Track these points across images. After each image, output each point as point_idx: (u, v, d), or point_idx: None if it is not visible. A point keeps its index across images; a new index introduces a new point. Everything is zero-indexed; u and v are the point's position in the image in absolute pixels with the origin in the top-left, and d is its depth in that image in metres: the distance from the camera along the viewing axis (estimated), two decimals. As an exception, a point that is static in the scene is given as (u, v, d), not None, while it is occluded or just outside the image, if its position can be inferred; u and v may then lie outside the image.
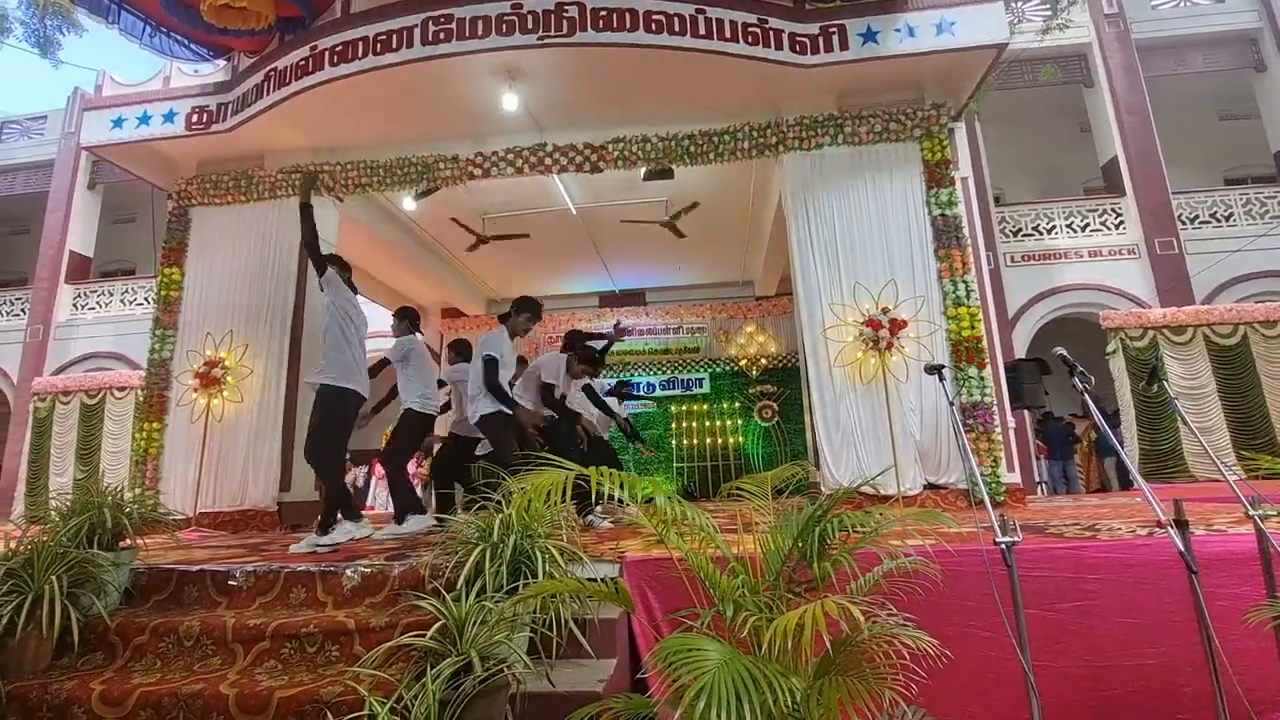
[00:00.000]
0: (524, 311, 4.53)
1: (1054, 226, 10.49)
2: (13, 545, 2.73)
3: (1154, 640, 2.53)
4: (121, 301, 12.14)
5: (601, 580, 2.40)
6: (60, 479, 9.57)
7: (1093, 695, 2.51)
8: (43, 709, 2.31)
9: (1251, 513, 2.17)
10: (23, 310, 12.30)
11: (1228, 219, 10.36)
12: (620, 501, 4.78)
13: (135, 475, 5.57)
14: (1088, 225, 10.46)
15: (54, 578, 2.59)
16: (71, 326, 12.01)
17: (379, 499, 11.28)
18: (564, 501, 1.91)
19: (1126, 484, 8.72)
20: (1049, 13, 9.64)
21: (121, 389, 9.81)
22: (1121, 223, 10.37)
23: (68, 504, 3.01)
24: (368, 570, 2.83)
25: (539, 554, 2.46)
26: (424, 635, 2.09)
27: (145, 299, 11.68)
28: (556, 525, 2.71)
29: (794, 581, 1.86)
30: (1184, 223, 10.24)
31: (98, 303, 12.23)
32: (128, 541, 3.07)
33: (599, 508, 4.76)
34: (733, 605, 1.64)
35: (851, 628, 1.50)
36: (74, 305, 12.21)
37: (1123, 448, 7.45)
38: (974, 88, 5.30)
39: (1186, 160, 11.39)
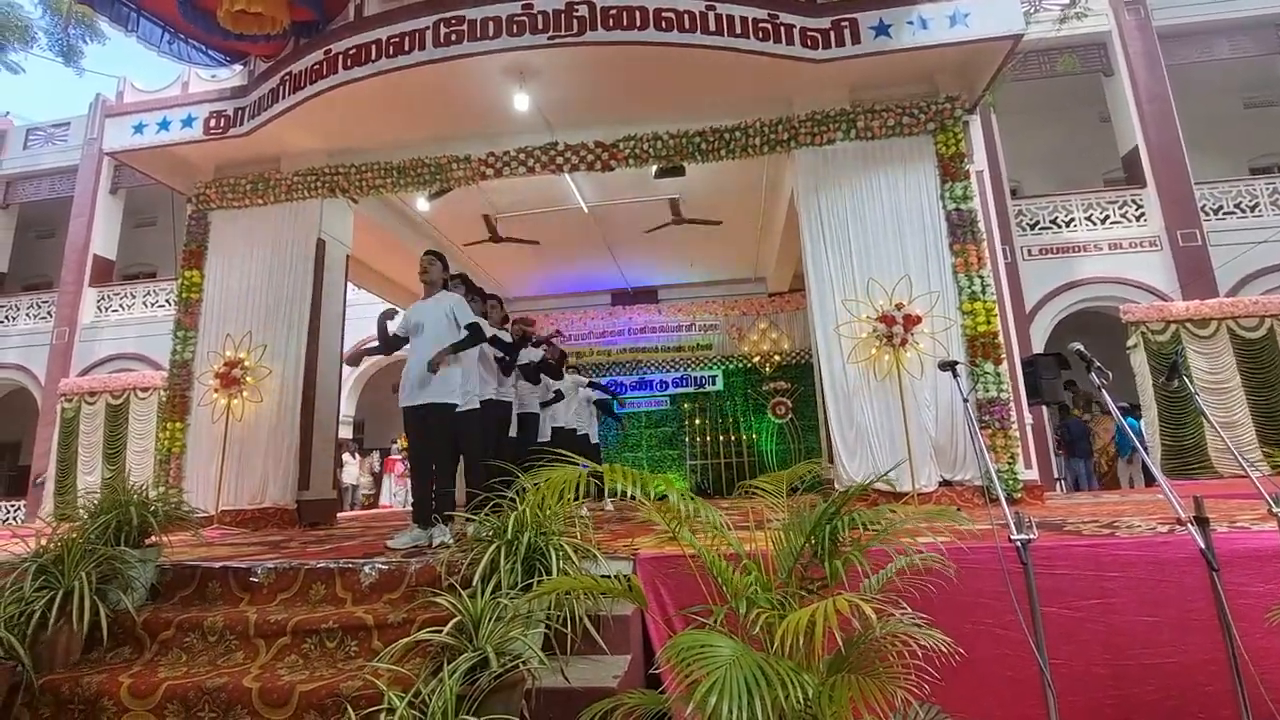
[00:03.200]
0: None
1: (1073, 219, 10.32)
2: (43, 543, 2.82)
3: (1174, 639, 2.50)
4: (144, 304, 12.40)
5: (615, 577, 2.42)
6: (89, 478, 9.81)
7: (1111, 694, 2.48)
8: (74, 701, 2.38)
9: (1275, 509, 2.13)
10: (49, 313, 12.60)
11: (1253, 209, 10.11)
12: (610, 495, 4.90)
13: (159, 474, 5.69)
14: (1108, 217, 10.27)
15: (83, 574, 2.66)
16: (96, 328, 12.28)
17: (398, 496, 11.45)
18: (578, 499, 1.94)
19: (1150, 480, 8.57)
20: (1067, 1, 9.47)
21: (145, 389, 10.03)
22: (1142, 214, 10.17)
23: (95, 502, 3.09)
24: (385, 567, 2.88)
25: (553, 551, 2.48)
26: (441, 631, 2.13)
27: (167, 301, 11.91)
28: (570, 523, 2.73)
29: (806, 579, 1.86)
30: (1207, 214, 10.01)
31: (121, 305, 12.49)
32: (153, 539, 3.14)
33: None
34: (745, 602, 1.65)
35: (863, 626, 1.50)
36: (98, 307, 12.48)
37: (1142, 444, 7.28)
38: (989, 80, 5.23)
39: (1210, 149, 11.13)
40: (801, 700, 1.32)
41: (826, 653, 1.58)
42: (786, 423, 9.77)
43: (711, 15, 4.84)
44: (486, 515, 2.69)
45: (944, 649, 1.58)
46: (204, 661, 2.58)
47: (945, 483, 4.80)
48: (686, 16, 4.82)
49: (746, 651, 1.41)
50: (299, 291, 5.86)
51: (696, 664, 1.38)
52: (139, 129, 5.98)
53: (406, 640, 2.23)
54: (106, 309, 12.49)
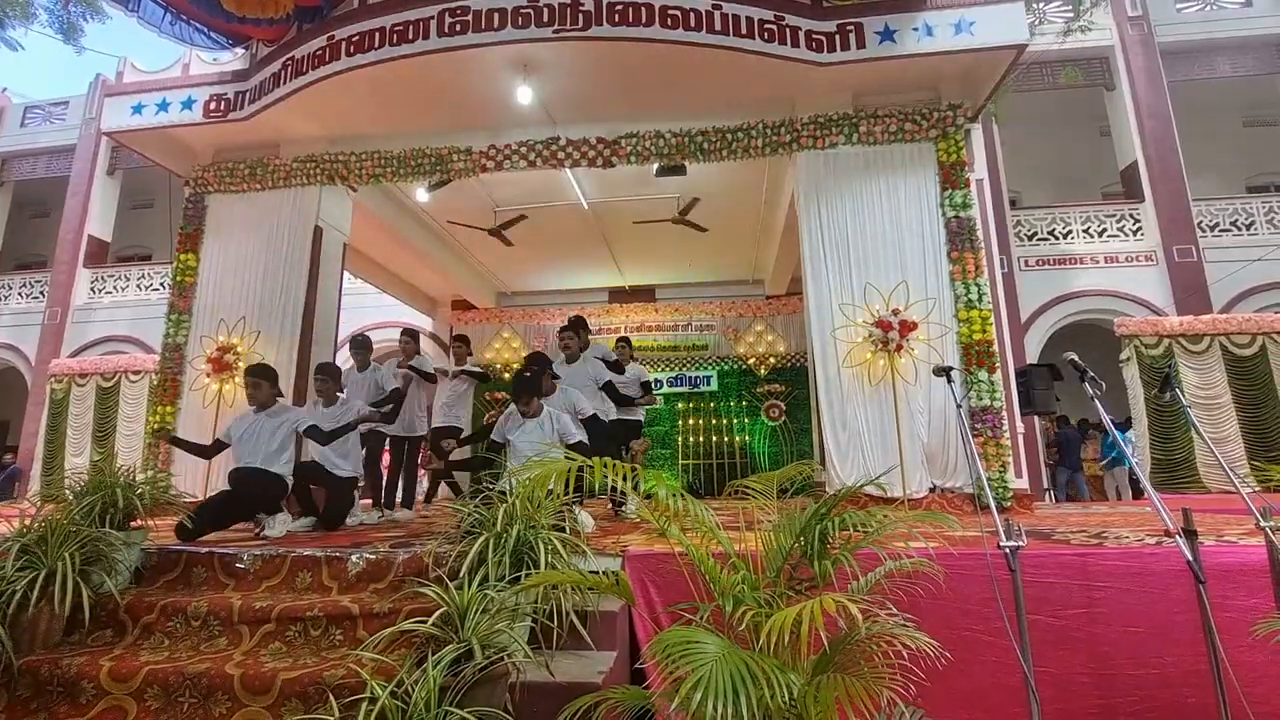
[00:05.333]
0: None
1: (1070, 231, 10.37)
2: (27, 523, 2.79)
3: (1160, 650, 2.51)
4: (138, 286, 12.30)
5: (603, 573, 2.41)
6: (77, 459, 9.72)
7: (1095, 703, 2.49)
8: (53, 683, 2.36)
9: (1263, 524, 2.14)
10: (41, 293, 12.50)
11: (1249, 227, 10.18)
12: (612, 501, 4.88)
13: (148, 458, 5.65)
14: (1105, 230, 10.32)
15: (66, 555, 2.64)
16: (89, 310, 12.18)
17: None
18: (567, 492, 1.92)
19: (1138, 493, 8.63)
20: (1071, 14, 9.51)
21: (136, 373, 9.95)
22: (1139, 229, 10.23)
23: (81, 483, 3.06)
24: (372, 557, 2.87)
25: (542, 545, 2.47)
26: (426, 622, 2.11)
27: (161, 284, 11.83)
28: (559, 517, 2.72)
29: (795, 579, 1.86)
30: (1203, 230, 10.08)
31: (115, 287, 12.39)
32: (139, 522, 3.12)
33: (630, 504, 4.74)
34: (732, 600, 1.65)
35: (850, 626, 1.50)
36: (91, 289, 12.38)
37: (1131, 456, 7.30)
38: (992, 89, 5.24)
39: (1208, 166, 11.20)
40: (786, 699, 1.31)
41: (813, 653, 1.58)
42: (780, 425, 9.76)
43: (717, 14, 4.83)
44: (476, 506, 2.68)
45: (930, 652, 1.58)
46: (186, 646, 2.56)
47: (936, 489, 4.81)
48: (692, 15, 4.80)
49: (733, 649, 1.41)
50: (295, 278, 5.81)
51: (682, 660, 1.37)
52: (138, 110, 5.92)
53: (391, 630, 2.21)
54: (100, 290, 12.39)
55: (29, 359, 12.03)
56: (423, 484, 7.03)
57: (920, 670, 1.62)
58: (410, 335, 5.61)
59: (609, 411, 5.01)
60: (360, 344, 5.35)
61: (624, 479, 1.83)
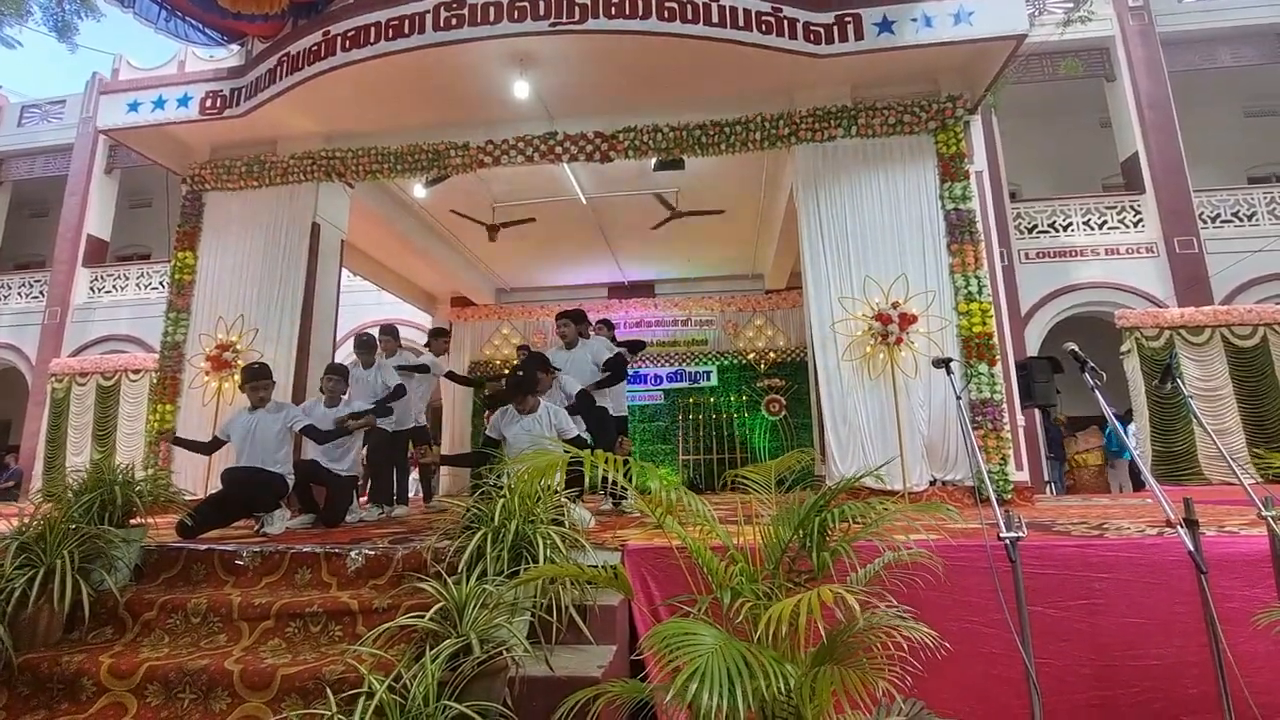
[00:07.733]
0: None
1: (1070, 223, 10.33)
2: (26, 520, 2.79)
3: (1160, 641, 2.50)
4: (137, 285, 12.30)
5: (602, 567, 2.40)
6: (78, 458, 9.74)
7: (1096, 694, 2.49)
8: (53, 680, 2.36)
9: (1264, 514, 2.13)
10: (41, 292, 12.49)
11: (1250, 218, 10.15)
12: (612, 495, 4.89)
13: (149, 456, 5.65)
14: (1105, 222, 10.29)
15: (66, 552, 2.64)
16: (88, 309, 12.18)
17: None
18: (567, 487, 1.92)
19: (1139, 485, 8.63)
20: (1070, 4, 9.46)
21: (136, 371, 9.96)
22: (1140, 220, 10.19)
23: (80, 481, 3.06)
24: (371, 553, 2.86)
25: (540, 539, 2.47)
26: (424, 617, 2.11)
27: (160, 283, 11.82)
28: (558, 512, 2.72)
29: (794, 571, 1.85)
30: (1205, 221, 10.04)
31: (114, 286, 12.39)
32: (138, 519, 3.12)
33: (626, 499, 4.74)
34: (730, 592, 1.64)
35: (848, 618, 1.49)
36: (91, 288, 12.37)
37: (1132, 450, 7.29)
38: (991, 80, 5.20)
39: (1209, 157, 11.16)
40: (783, 690, 1.31)
41: (812, 644, 1.57)
42: (780, 420, 9.76)
43: (715, 7, 4.80)
44: (475, 502, 2.67)
45: (929, 643, 1.57)
46: (186, 643, 2.56)
47: (936, 482, 4.81)
48: (689, 7, 4.77)
49: (730, 640, 1.40)
50: (293, 276, 5.79)
51: (679, 652, 1.37)
52: (134, 107, 5.90)
53: (390, 625, 2.21)
54: (99, 290, 12.38)
55: (29, 359, 12.04)
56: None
57: (919, 662, 1.62)
58: (389, 333, 5.67)
59: (608, 403, 5.00)
60: (364, 343, 5.35)
61: (619, 472, 1.82)
